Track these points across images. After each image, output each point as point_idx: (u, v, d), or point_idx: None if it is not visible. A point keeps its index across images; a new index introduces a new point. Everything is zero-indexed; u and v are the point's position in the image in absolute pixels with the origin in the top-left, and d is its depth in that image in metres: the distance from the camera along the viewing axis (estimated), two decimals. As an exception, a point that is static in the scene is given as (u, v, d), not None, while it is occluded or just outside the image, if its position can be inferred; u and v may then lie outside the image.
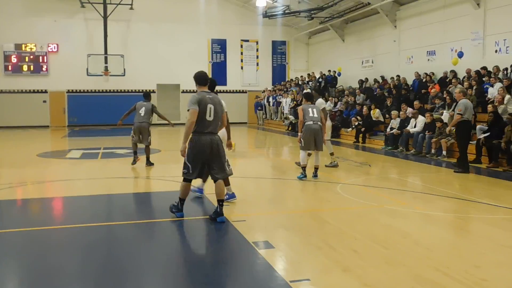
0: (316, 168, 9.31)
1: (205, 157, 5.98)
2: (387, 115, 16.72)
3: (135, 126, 10.77)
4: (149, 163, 10.91)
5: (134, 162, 10.95)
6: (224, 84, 29.05)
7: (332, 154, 10.98)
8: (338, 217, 6.51)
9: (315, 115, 9.11)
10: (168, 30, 27.33)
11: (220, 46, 28.96)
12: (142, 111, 10.71)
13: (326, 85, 24.13)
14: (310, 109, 9.15)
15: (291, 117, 22.80)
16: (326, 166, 10.73)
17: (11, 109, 25.81)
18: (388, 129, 15.44)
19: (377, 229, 5.84)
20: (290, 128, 22.96)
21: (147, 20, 26.95)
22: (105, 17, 25.25)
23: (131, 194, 8.35)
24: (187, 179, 6.11)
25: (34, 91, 26.38)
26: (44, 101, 26.61)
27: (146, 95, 11.25)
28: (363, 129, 17.11)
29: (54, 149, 16.48)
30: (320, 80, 24.64)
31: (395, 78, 19.16)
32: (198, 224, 6.29)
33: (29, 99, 26.28)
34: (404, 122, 14.76)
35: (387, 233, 5.66)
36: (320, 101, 10.35)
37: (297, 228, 5.96)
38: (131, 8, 26.17)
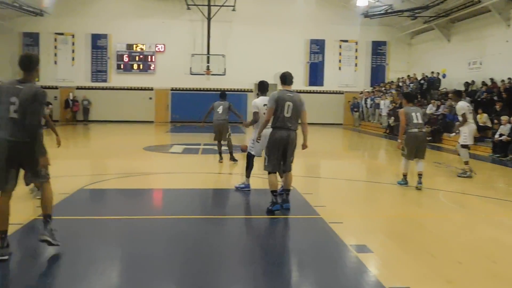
0: (420, 175, 8.43)
1: (281, 151, 6.41)
2: (495, 120, 15.65)
3: (214, 124, 11.21)
4: (233, 159, 11.22)
5: (220, 159, 11.35)
6: (321, 84, 28.94)
7: (466, 163, 9.93)
8: (440, 226, 6.24)
9: (419, 120, 8.38)
10: (267, 31, 27.74)
11: (318, 47, 28.84)
12: (220, 110, 11.09)
13: (429, 87, 23.11)
14: (414, 114, 8.37)
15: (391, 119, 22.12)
16: (458, 176, 9.92)
17: (121, 104, 27.73)
18: (496, 136, 14.46)
19: (484, 241, 5.51)
20: (388, 131, 22.30)
21: (247, 21, 27.57)
22: (208, 19, 26.29)
23: (228, 190, 8.55)
24: (270, 172, 6.50)
25: (141, 89, 28.12)
26: (150, 98, 28.27)
27: (222, 94, 11.54)
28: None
29: (158, 143, 17.46)
30: (422, 81, 23.65)
31: (506, 81, 17.85)
32: (295, 223, 6.35)
33: (136, 95, 28.07)
34: (516, 128, 13.73)
35: (495, 246, 5.33)
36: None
37: (396, 233, 5.81)
38: (233, 10, 26.90)
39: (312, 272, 4.55)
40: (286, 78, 6.65)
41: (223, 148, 11.50)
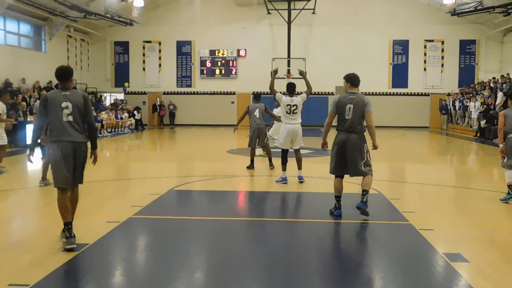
0: None
1: (342, 154, 6.32)
2: None
3: (253, 129, 10.57)
4: (272, 165, 10.65)
5: (250, 167, 10.79)
6: (405, 86, 28.01)
7: None
8: (543, 236, 5.81)
9: None
10: (348, 32, 27.38)
11: (401, 47, 27.96)
12: (257, 113, 10.50)
13: (524, 87, 21.58)
14: None
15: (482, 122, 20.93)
16: None
17: (204, 108, 28.61)
18: None
19: None
20: (479, 134, 21.10)
21: (327, 24, 27.37)
22: (289, 22, 26.40)
23: (311, 193, 8.47)
24: (334, 174, 6.53)
25: (224, 93, 28.82)
26: (232, 102, 28.89)
27: (257, 96, 10.99)
28: None
29: (241, 147, 17.77)
30: (516, 82, 22.15)
31: None
32: (383, 229, 6.18)
33: (219, 100, 28.80)
34: None
35: None
36: None
37: (492, 243, 5.49)
38: (313, 13, 26.83)
39: (404, 280, 4.41)
40: (351, 80, 6.57)
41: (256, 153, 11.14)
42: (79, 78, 25.56)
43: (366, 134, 6.42)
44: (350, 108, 6.30)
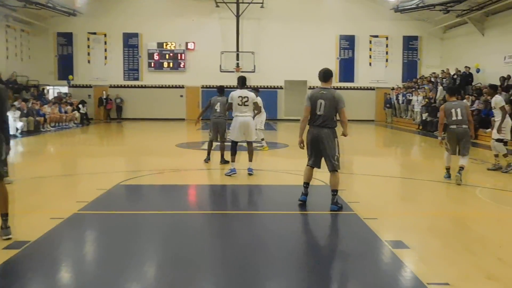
0: (461, 167, 8.29)
1: (315, 148, 6.51)
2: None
3: (212, 122, 10.43)
4: (223, 161, 10.41)
5: (207, 160, 10.72)
6: (352, 81, 28.66)
7: (506, 155, 9.86)
8: (479, 222, 6.14)
9: (459, 117, 8.25)
10: (296, 27, 27.66)
11: (348, 43, 28.57)
12: (217, 107, 10.34)
13: (462, 82, 22.61)
14: (453, 110, 8.30)
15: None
16: (503, 172, 9.77)
17: (153, 102, 28.14)
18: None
19: (524, 238, 5.40)
20: (421, 127, 21.94)
21: (276, 18, 27.54)
22: (237, 16, 26.38)
23: (261, 186, 8.57)
24: (307, 163, 6.70)
25: (172, 86, 28.45)
26: (181, 96, 28.58)
27: (220, 89, 10.72)
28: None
29: (190, 140, 17.65)
30: (455, 77, 23.17)
31: (545, 75, 17.31)
32: (329, 219, 6.32)
33: (168, 93, 28.41)
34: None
35: (536, 243, 5.21)
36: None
37: (433, 230, 5.74)
38: (262, 7, 26.93)
39: (348, 267, 4.55)
40: (320, 75, 6.69)
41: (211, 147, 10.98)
42: (19, 70, 24.48)
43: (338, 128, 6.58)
44: (321, 103, 6.39)
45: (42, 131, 19.74)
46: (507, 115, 9.91)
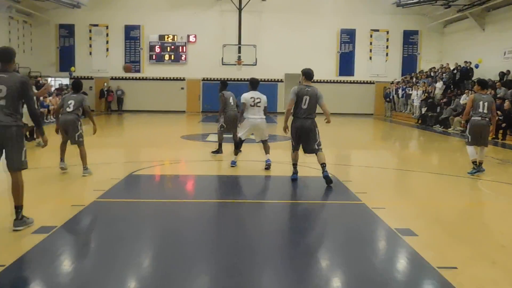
0: (480, 163, 8.81)
1: (299, 136, 7.59)
2: (532, 111, 15.49)
3: (229, 116, 10.35)
4: (220, 152, 10.76)
5: (219, 151, 10.84)
6: (352, 74, 28.87)
7: None
8: (481, 213, 6.42)
9: (485, 110, 8.62)
10: (297, 21, 27.82)
11: (349, 36, 28.76)
12: (231, 100, 10.45)
13: (462, 77, 22.88)
14: (481, 103, 8.63)
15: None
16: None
17: (153, 94, 28.32)
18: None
19: (526, 227, 5.68)
20: (420, 121, 22.21)
21: (278, 12, 27.67)
22: (239, 9, 26.53)
23: (262, 176, 8.71)
24: (293, 149, 7.82)
25: (173, 79, 28.61)
26: (182, 88, 28.76)
27: (226, 84, 10.82)
28: (503, 124, 16.05)
29: (194, 133, 17.88)
30: (455, 71, 23.43)
31: (544, 71, 17.59)
32: (339, 208, 6.59)
33: (168, 86, 28.59)
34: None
35: (537, 232, 5.49)
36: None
37: (438, 219, 6.00)
38: (263, 0, 27.07)
39: (361, 252, 4.80)
40: (308, 75, 7.65)
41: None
42: (22, 62, 24.53)
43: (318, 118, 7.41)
44: (306, 99, 7.47)
45: (45, 122, 19.89)
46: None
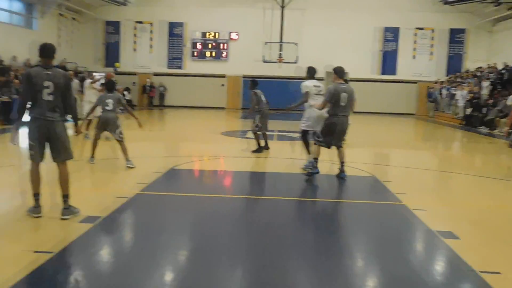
0: None
1: (335, 132, 7.74)
2: None
3: (264, 114, 10.40)
4: (261, 149, 10.58)
5: (263, 148, 10.70)
6: (394, 73, 28.36)
7: None
8: (527, 217, 6.22)
9: None
10: (340, 18, 27.53)
11: (392, 34, 28.24)
12: (263, 98, 10.41)
13: (510, 77, 22.09)
14: None
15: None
16: None
17: (194, 90, 28.68)
18: None
19: None
20: (464, 122, 21.60)
21: (320, 9, 27.46)
22: (282, 6, 26.51)
23: (299, 174, 8.53)
24: (320, 144, 7.93)
25: (214, 76, 28.91)
26: (223, 85, 29.01)
27: (256, 83, 10.66)
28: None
29: (235, 129, 18.05)
30: (503, 71, 22.64)
31: None
32: (379, 208, 6.52)
33: (209, 82, 28.89)
34: None
35: None
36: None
37: (482, 222, 5.87)
38: (307, -3, 26.99)
39: (402, 254, 4.75)
40: (340, 73, 7.83)
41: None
42: (69, 57, 25.41)
43: None
44: (345, 96, 7.60)
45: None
46: None
